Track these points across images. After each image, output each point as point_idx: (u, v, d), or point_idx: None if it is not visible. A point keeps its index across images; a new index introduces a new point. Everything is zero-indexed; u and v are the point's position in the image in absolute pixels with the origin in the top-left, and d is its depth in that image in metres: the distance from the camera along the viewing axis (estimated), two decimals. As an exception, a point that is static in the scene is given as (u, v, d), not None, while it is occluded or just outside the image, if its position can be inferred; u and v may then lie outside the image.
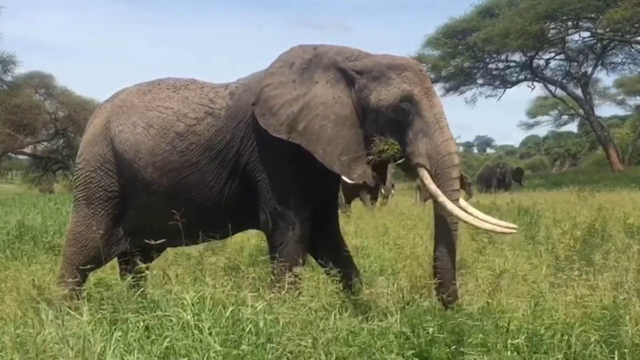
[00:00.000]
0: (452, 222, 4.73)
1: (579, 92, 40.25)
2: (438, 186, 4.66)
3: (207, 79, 5.49)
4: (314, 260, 5.47)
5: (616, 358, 3.64)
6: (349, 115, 4.92)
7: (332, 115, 4.89)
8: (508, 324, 3.89)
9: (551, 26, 36.21)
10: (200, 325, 3.74)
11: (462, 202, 4.81)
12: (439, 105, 4.85)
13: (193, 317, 3.83)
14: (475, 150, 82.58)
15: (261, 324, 3.81)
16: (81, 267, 5.28)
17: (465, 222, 4.72)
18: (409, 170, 4.94)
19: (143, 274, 4.65)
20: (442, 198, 4.62)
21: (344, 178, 5.07)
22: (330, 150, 4.85)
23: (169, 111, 5.18)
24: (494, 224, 4.84)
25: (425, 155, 4.71)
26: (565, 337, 3.80)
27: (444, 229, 4.73)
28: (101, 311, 4.30)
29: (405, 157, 4.79)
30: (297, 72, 5.03)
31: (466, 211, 4.75)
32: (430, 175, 4.70)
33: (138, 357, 3.57)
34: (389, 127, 4.79)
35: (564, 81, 40.90)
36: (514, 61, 40.47)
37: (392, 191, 21.53)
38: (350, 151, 4.86)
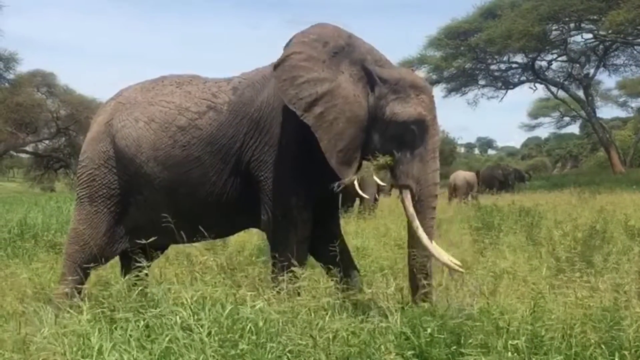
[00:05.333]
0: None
1: (580, 93, 40.25)
2: (418, 210, 4.83)
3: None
4: (314, 260, 5.46)
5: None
6: (362, 118, 4.92)
7: (348, 112, 4.89)
8: (508, 325, 3.88)
9: (553, 28, 36.20)
10: (199, 325, 3.73)
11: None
12: (438, 134, 5.01)
13: (192, 316, 3.83)
14: (476, 151, 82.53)
15: (260, 324, 3.81)
16: (83, 266, 5.28)
17: (429, 250, 4.81)
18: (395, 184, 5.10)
19: (144, 273, 4.65)
20: (417, 224, 4.80)
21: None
22: (334, 143, 4.85)
23: (171, 105, 5.18)
24: (449, 260, 4.89)
25: (414, 179, 4.86)
26: (566, 339, 3.79)
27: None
28: (101, 310, 4.30)
29: (395, 173, 4.93)
30: (328, 54, 4.99)
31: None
32: (412, 198, 4.85)
33: (137, 356, 3.57)
34: (392, 141, 4.87)
35: (566, 83, 40.89)
36: (516, 62, 40.47)
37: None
38: (349, 151, 4.88)
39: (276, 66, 4.97)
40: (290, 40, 5.07)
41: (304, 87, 4.87)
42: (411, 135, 4.84)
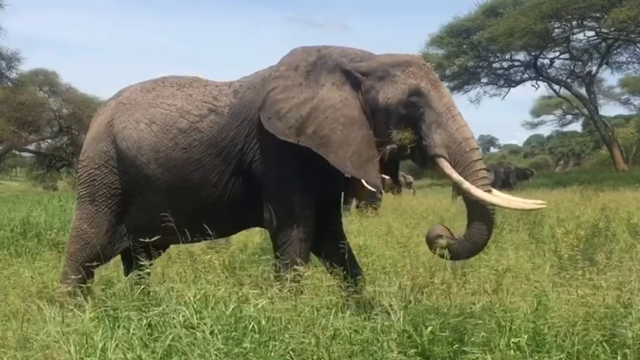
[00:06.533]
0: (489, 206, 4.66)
1: (583, 91, 40.14)
2: (461, 173, 4.64)
3: (207, 76, 5.53)
4: (316, 259, 5.47)
5: (619, 358, 3.63)
6: (358, 117, 4.90)
7: (341, 118, 4.88)
8: (510, 323, 3.88)
9: (556, 25, 36.10)
10: (202, 323, 3.74)
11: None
12: (447, 94, 4.87)
13: (195, 314, 3.84)
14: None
15: (263, 322, 3.81)
16: (85, 264, 5.30)
17: (493, 203, 4.67)
18: (427, 164, 4.89)
19: (145, 271, 4.67)
20: (467, 184, 4.60)
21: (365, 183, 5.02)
22: (342, 153, 4.83)
23: (172, 108, 5.19)
24: (522, 202, 4.93)
25: (442, 145, 4.70)
26: (568, 337, 3.79)
27: (481, 211, 4.66)
28: (104, 308, 4.31)
29: (422, 150, 4.77)
30: (302, 75, 5.01)
31: (499, 195, 4.78)
32: (450, 164, 4.68)
33: (140, 355, 3.58)
34: (401, 123, 4.77)
35: (569, 80, 40.77)
36: (519, 60, 40.37)
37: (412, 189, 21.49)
38: (362, 153, 4.85)
39: (260, 109, 4.98)
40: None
41: (288, 116, 4.89)
42: (414, 109, 4.76)
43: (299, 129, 4.87)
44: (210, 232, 5.02)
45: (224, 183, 5.11)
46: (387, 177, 5.18)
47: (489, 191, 4.69)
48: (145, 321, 3.93)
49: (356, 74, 4.95)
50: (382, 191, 15.66)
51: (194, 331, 3.69)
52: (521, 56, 39.71)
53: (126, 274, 5.58)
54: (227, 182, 5.11)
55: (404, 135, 4.74)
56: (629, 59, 39.64)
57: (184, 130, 5.11)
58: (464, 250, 4.75)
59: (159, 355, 3.58)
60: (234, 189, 5.13)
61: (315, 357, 3.62)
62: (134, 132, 5.23)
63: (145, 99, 5.34)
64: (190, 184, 5.11)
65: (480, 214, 4.67)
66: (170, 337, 3.64)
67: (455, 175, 4.64)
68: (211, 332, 3.66)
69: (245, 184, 5.12)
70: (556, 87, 41.69)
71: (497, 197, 4.75)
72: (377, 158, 4.85)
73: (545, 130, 75.98)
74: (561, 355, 3.62)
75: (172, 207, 5.04)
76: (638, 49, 38.31)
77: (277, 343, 3.67)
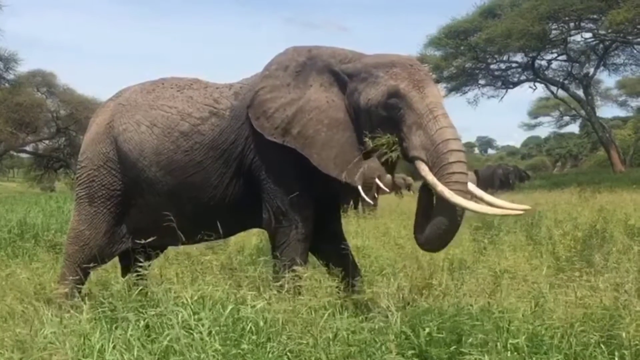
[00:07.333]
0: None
1: (580, 93, 40.17)
2: (436, 174, 4.49)
3: (207, 77, 5.53)
4: (315, 259, 5.47)
5: (616, 359, 3.64)
6: (343, 119, 4.90)
7: (325, 120, 4.88)
8: (508, 324, 3.89)
9: (553, 27, 36.10)
10: (199, 324, 3.74)
11: (471, 187, 4.67)
12: (432, 95, 4.70)
13: (193, 315, 3.84)
14: (476, 151, 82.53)
15: (261, 323, 3.81)
16: (83, 266, 5.30)
17: (468, 209, 4.52)
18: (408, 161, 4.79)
19: (143, 273, 4.66)
20: (440, 187, 4.43)
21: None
22: (325, 154, 4.83)
23: (173, 110, 5.19)
24: (504, 208, 4.72)
25: (421, 147, 4.57)
26: (566, 338, 3.80)
27: (447, 212, 4.51)
28: (101, 310, 4.31)
29: (402, 152, 4.70)
30: (291, 75, 5.02)
31: (482, 198, 4.66)
32: (428, 167, 4.55)
33: (138, 356, 3.57)
34: (384, 125, 4.72)
35: (566, 82, 40.78)
36: (516, 62, 40.35)
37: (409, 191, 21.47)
38: (346, 154, 4.84)
39: (249, 107, 4.99)
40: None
41: (275, 116, 4.90)
42: (394, 111, 4.68)
43: (284, 129, 4.88)
44: (211, 233, 5.02)
45: (225, 185, 5.12)
46: (379, 182, 5.14)
47: (463, 193, 4.49)
48: (143, 322, 3.93)
49: (343, 76, 4.95)
50: (376, 195, 15.63)
51: (192, 332, 3.69)
52: (519, 58, 39.72)
53: (123, 275, 5.58)
54: (228, 184, 5.12)
55: (381, 141, 4.69)
56: (626, 61, 39.68)
57: (185, 133, 5.11)
58: (421, 240, 4.71)
59: (157, 356, 3.58)
60: (235, 191, 5.13)
61: (313, 358, 3.62)
62: (135, 134, 5.23)
63: (145, 101, 5.34)
64: (192, 186, 5.11)
65: (445, 215, 4.54)
66: (168, 338, 3.63)
67: (430, 177, 4.51)
68: (209, 333, 3.66)
69: (246, 185, 5.12)
70: (553, 88, 41.76)
71: (472, 202, 4.59)
72: (360, 162, 4.83)
73: (542, 132, 76.34)
74: (559, 357, 3.63)
75: (173, 209, 5.04)
76: (635, 51, 38.34)
77: (274, 344, 3.68)
